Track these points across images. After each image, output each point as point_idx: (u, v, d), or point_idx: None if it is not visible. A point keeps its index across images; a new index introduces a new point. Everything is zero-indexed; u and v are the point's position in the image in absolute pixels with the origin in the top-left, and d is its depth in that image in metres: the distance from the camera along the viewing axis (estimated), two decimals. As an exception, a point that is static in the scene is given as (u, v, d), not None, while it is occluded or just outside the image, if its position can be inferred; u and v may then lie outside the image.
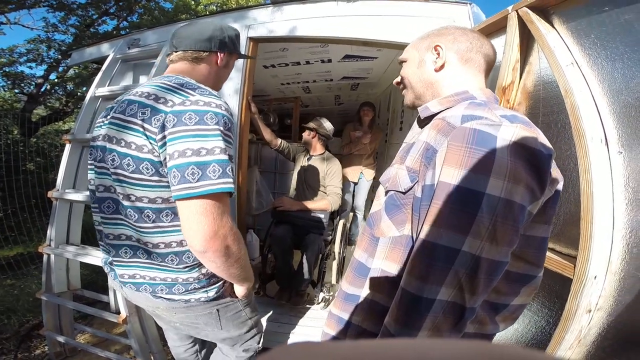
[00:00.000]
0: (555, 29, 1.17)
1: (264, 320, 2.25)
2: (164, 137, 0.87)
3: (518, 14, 1.26)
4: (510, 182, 0.56)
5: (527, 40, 1.29)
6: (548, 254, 1.03)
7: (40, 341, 2.44)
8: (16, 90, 7.60)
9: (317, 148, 2.81)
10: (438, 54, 0.80)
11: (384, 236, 0.75)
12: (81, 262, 2.07)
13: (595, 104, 1.01)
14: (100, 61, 2.58)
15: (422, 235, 0.61)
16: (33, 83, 7.45)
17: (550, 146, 0.60)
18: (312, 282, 2.57)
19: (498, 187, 0.56)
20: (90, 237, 4.08)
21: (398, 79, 0.90)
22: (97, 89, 2.18)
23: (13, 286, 3.22)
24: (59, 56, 7.33)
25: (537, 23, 1.18)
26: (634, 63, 0.92)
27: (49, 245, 2.03)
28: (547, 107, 1.21)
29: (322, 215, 2.59)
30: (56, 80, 7.85)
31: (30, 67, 7.67)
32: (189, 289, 1.02)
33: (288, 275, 2.52)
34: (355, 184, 3.90)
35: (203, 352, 1.51)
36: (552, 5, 1.16)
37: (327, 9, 2.13)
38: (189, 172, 0.83)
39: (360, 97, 5.12)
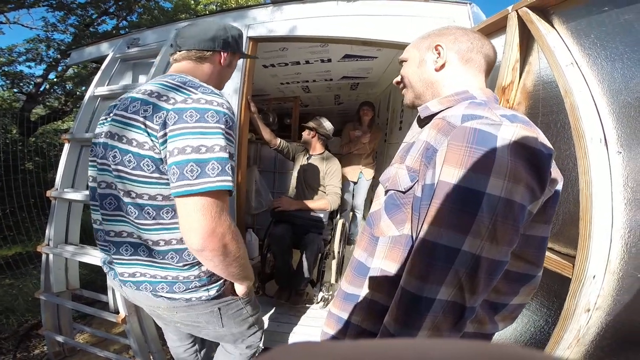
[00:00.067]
0: (555, 29, 1.17)
1: (263, 320, 2.25)
2: (165, 134, 0.87)
3: (518, 13, 1.26)
4: (510, 181, 0.56)
5: (526, 40, 1.29)
6: (547, 253, 1.03)
7: (39, 341, 2.44)
8: (15, 90, 7.59)
9: (317, 147, 2.81)
10: (439, 53, 0.80)
11: (384, 235, 0.75)
12: (80, 262, 2.07)
13: (595, 104, 1.01)
14: (99, 60, 2.58)
15: (422, 234, 0.61)
16: (32, 82, 7.44)
17: (550, 146, 0.60)
18: (311, 281, 2.57)
19: (498, 187, 0.56)
20: (88, 237, 4.06)
21: (398, 79, 0.90)
22: (96, 89, 2.18)
23: (12, 286, 3.21)
24: (58, 55, 7.32)
25: (537, 23, 1.18)
26: (633, 63, 0.92)
27: (48, 244, 2.03)
28: (547, 107, 1.21)
29: (321, 215, 2.59)
30: (55, 79, 7.84)
31: (29, 67, 7.68)
32: (190, 287, 1.02)
33: (287, 275, 2.51)
34: (355, 183, 3.90)
35: (203, 352, 1.51)
36: (552, 5, 1.16)
37: (327, 8, 2.13)
38: (188, 170, 0.83)
39: (359, 96, 5.12)
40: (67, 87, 8.13)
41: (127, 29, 7.83)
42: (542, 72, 1.24)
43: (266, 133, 2.69)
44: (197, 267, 1.01)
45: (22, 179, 4.39)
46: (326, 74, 3.89)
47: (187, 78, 1.01)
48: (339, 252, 2.85)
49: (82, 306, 2.03)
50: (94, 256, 1.88)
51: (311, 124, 2.78)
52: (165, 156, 0.88)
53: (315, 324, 2.32)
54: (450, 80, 0.79)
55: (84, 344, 2.21)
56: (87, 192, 2.02)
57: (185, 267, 1.00)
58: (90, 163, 1.08)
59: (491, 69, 0.83)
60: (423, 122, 0.82)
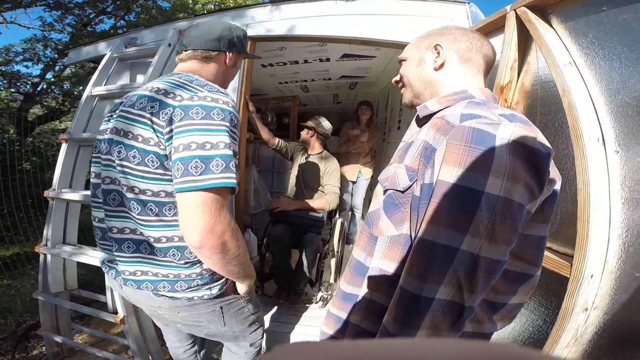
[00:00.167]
0: (553, 29, 1.17)
1: (263, 318, 2.25)
2: (171, 130, 0.88)
3: (516, 13, 1.26)
4: (509, 180, 0.56)
5: (525, 39, 1.29)
6: (545, 252, 1.03)
7: (38, 341, 2.43)
8: (12, 90, 7.55)
9: (316, 147, 2.81)
10: (438, 53, 0.80)
11: (383, 235, 0.75)
12: (78, 262, 2.06)
13: (593, 104, 1.02)
14: (97, 60, 2.57)
15: (421, 234, 0.61)
16: (29, 82, 7.41)
17: (549, 145, 0.60)
18: (310, 281, 2.58)
19: (497, 186, 0.56)
20: (87, 237, 4.07)
21: (397, 78, 0.90)
22: (93, 88, 2.18)
23: (9, 286, 3.20)
24: (56, 55, 7.29)
25: (535, 22, 1.18)
26: (631, 62, 0.92)
27: (46, 245, 2.02)
28: (545, 107, 1.21)
29: (320, 214, 2.59)
30: (53, 79, 7.81)
31: (27, 66, 7.66)
32: (192, 285, 1.01)
33: (286, 275, 2.52)
34: (354, 182, 3.90)
35: (202, 352, 1.51)
36: (550, 4, 1.17)
37: (325, 7, 2.13)
38: (192, 166, 0.84)
39: (358, 96, 5.12)
40: (65, 87, 8.10)
41: (124, 29, 7.80)
42: (540, 72, 1.24)
43: (264, 133, 2.68)
44: (198, 265, 1.01)
45: (20, 179, 4.38)
46: (325, 73, 3.89)
47: (193, 77, 1.02)
48: (337, 252, 2.85)
49: (81, 306, 2.02)
50: (91, 256, 1.87)
51: (310, 123, 2.78)
52: (170, 152, 0.88)
53: (314, 323, 2.32)
54: (449, 79, 0.79)
55: (82, 345, 2.20)
56: (85, 192, 2.02)
57: (187, 265, 1.00)
58: (93, 159, 1.09)
59: (490, 68, 0.83)
60: (422, 121, 0.82)
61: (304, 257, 2.41)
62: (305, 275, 2.43)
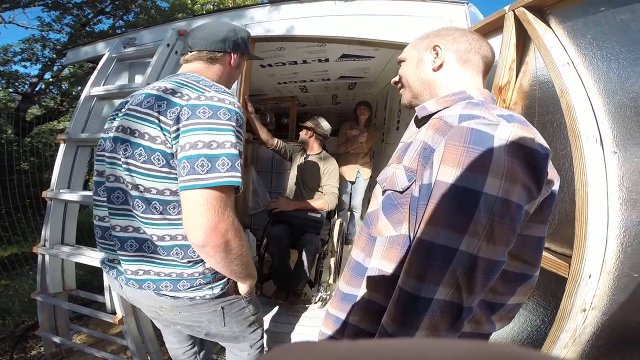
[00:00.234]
0: (552, 29, 1.17)
1: (263, 319, 2.25)
2: (178, 129, 0.89)
3: (515, 13, 1.26)
4: (507, 181, 0.56)
5: (523, 40, 1.30)
6: (543, 253, 1.04)
7: (36, 342, 2.42)
8: (10, 90, 7.54)
9: (314, 147, 2.81)
10: (437, 53, 0.80)
11: (381, 236, 0.75)
12: (76, 262, 2.06)
13: (591, 104, 1.02)
14: (95, 60, 2.57)
15: (420, 234, 0.61)
16: (27, 82, 7.40)
17: (547, 146, 0.61)
18: (309, 281, 2.57)
19: (495, 186, 0.56)
20: (85, 237, 4.06)
21: (396, 78, 0.90)
22: (92, 88, 2.17)
23: (8, 287, 3.19)
24: (54, 55, 7.28)
25: (534, 23, 1.18)
26: (629, 63, 0.92)
27: (44, 245, 2.01)
28: (543, 107, 1.21)
29: (319, 215, 2.59)
30: (51, 79, 7.80)
31: (25, 66, 7.64)
32: (194, 285, 1.01)
33: (285, 275, 2.51)
34: (352, 183, 3.90)
35: (202, 353, 1.51)
36: (549, 5, 1.17)
37: (324, 8, 2.14)
38: (198, 164, 0.85)
39: (357, 96, 5.12)
40: (63, 87, 8.09)
41: (123, 29, 7.79)
42: (539, 72, 1.25)
43: (263, 133, 2.68)
44: (201, 264, 1.01)
45: (18, 179, 4.37)
46: (324, 73, 3.90)
47: (200, 77, 1.03)
48: (336, 252, 2.85)
49: (79, 307, 2.02)
50: (90, 257, 1.87)
51: (309, 123, 2.78)
52: (177, 151, 0.89)
53: (313, 324, 2.32)
54: (448, 80, 0.79)
55: (81, 345, 2.20)
56: (83, 193, 2.01)
57: (190, 264, 1.00)
58: (97, 158, 1.09)
59: (489, 69, 0.83)
60: (420, 122, 0.82)
61: (303, 258, 2.41)
62: (304, 275, 2.43)
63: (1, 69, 7.13)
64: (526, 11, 1.21)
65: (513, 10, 1.27)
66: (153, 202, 0.94)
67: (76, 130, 2.09)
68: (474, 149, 0.57)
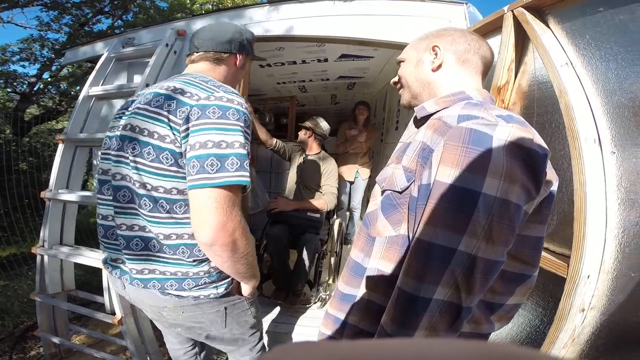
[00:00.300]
0: (550, 29, 1.18)
1: (262, 321, 2.25)
2: (188, 128, 0.90)
3: (514, 14, 1.27)
4: (506, 181, 0.56)
5: (522, 40, 1.30)
6: (542, 253, 1.04)
7: (35, 342, 2.42)
8: (9, 89, 7.53)
9: (313, 147, 2.81)
10: (436, 54, 0.80)
11: (380, 236, 0.75)
12: (75, 263, 2.05)
13: (589, 104, 1.02)
14: (94, 60, 2.56)
15: (419, 234, 0.61)
16: (26, 82, 7.39)
17: (546, 146, 0.61)
18: (308, 281, 2.57)
19: (494, 187, 0.56)
20: (84, 238, 4.05)
21: (395, 79, 0.90)
22: (90, 88, 2.17)
23: (6, 287, 3.18)
24: (53, 55, 7.27)
25: (533, 23, 1.18)
26: (627, 63, 0.93)
27: (42, 246, 2.01)
28: (542, 107, 1.22)
29: (318, 215, 2.59)
30: (49, 79, 7.79)
31: (23, 66, 7.65)
32: (199, 283, 1.02)
33: (284, 275, 2.51)
34: (352, 183, 3.90)
35: (202, 354, 1.51)
36: (548, 5, 1.17)
37: (323, 8, 2.13)
38: (208, 163, 0.86)
39: (356, 96, 5.12)
40: (62, 87, 8.09)
41: (122, 29, 7.79)
42: (537, 72, 1.25)
43: (262, 133, 2.68)
44: (206, 263, 1.02)
45: (16, 179, 4.36)
46: (323, 73, 3.89)
47: (207, 77, 1.04)
48: (336, 252, 2.85)
49: (78, 307, 2.02)
50: (89, 257, 1.87)
51: (308, 123, 2.78)
52: (186, 150, 0.90)
53: (312, 324, 2.32)
54: (447, 80, 0.79)
55: (80, 345, 2.19)
56: (82, 193, 2.01)
57: (195, 263, 1.01)
58: (101, 156, 1.09)
59: (488, 70, 0.83)
60: (419, 122, 0.82)
61: (302, 258, 2.41)
62: (303, 275, 2.43)
63: (0, 69, 7.11)
64: (525, 11, 1.21)
65: (512, 11, 1.27)
66: (160, 201, 0.95)
67: (75, 130, 2.09)
68: (472, 150, 0.57)
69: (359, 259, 0.80)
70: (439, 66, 0.80)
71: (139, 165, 0.94)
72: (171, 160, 0.92)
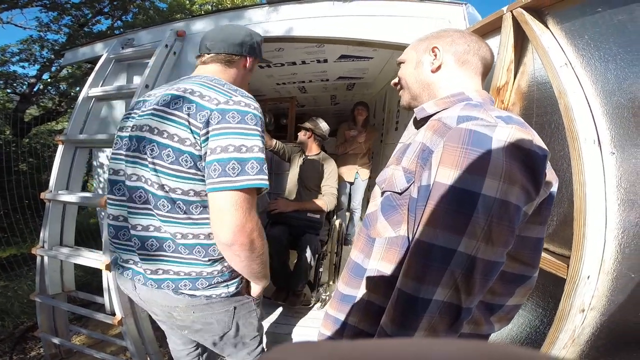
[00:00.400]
0: (550, 30, 1.18)
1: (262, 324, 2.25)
2: (208, 132, 0.92)
3: (513, 14, 1.27)
4: (505, 182, 0.56)
5: (521, 40, 1.30)
6: (542, 254, 1.04)
7: (35, 343, 2.42)
8: (8, 90, 7.53)
9: (313, 148, 2.81)
10: (435, 55, 0.80)
11: (380, 237, 0.75)
12: (75, 264, 2.05)
13: (589, 105, 1.02)
14: (93, 61, 2.56)
15: (418, 235, 0.61)
16: (25, 83, 7.39)
17: (545, 147, 0.61)
18: (308, 282, 2.57)
19: (494, 188, 0.56)
20: (84, 239, 4.05)
21: (396, 80, 0.91)
22: (90, 89, 2.17)
23: (6, 288, 3.18)
24: (52, 56, 7.27)
25: (532, 24, 1.18)
26: (627, 64, 0.93)
27: (42, 247, 2.01)
28: (541, 108, 1.22)
29: (318, 216, 2.59)
30: (49, 80, 7.79)
31: (23, 67, 7.65)
32: (212, 282, 1.04)
33: (285, 276, 2.51)
34: (351, 184, 3.90)
35: (204, 355, 1.51)
36: (547, 6, 1.17)
37: (323, 9, 2.14)
38: (230, 167, 0.89)
39: (356, 97, 5.12)
40: (61, 88, 8.08)
41: (121, 29, 7.79)
42: (537, 73, 1.25)
43: (262, 134, 2.67)
44: (219, 262, 1.04)
45: (16, 180, 4.35)
46: (322, 74, 3.90)
47: (222, 80, 1.06)
48: (336, 253, 2.85)
49: (78, 308, 2.02)
50: (89, 258, 1.86)
51: (307, 124, 2.78)
52: (206, 153, 0.92)
53: (312, 324, 2.32)
54: (446, 82, 0.80)
55: (80, 346, 2.19)
56: (81, 194, 2.01)
57: (209, 263, 1.03)
58: (112, 156, 1.10)
59: (488, 71, 0.83)
60: (419, 123, 0.82)
61: (302, 258, 2.41)
62: (303, 276, 2.43)
63: (-1, 70, 7.13)
64: (524, 12, 1.21)
65: (511, 11, 1.27)
66: (177, 202, 0.97)
67: (74, 131, 2.09)
68: (472, 151, 0.57)
69: (358, 259, 0.80)
70: (439, 67, 0.80)
71: (157, 167, 0.96)
72: (190, 162, 0.94)
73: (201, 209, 0.99)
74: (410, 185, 0.70)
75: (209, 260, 1.02)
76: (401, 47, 0.91)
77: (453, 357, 0.14)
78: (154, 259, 1.03)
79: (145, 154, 0.97)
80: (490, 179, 0.56)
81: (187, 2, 8.38)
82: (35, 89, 7.40)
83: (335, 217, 3.08)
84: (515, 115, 0.67)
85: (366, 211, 0.84)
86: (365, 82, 4.29)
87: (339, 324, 0.82)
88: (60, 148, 2.06)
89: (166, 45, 2.13)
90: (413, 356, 0.15)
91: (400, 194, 0.72)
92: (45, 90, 7.91)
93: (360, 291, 0.78)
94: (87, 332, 2.27)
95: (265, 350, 1.37)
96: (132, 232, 1.04)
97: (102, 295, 2.14)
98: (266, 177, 0.94)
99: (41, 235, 2.04)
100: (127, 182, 1.03)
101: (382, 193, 0.77)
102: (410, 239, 0.68)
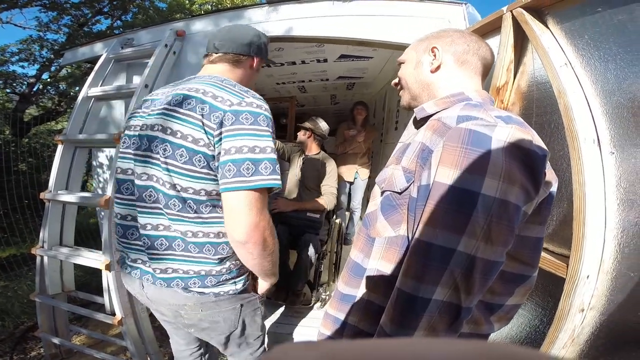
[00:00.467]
0: (550, 30, 1.18)
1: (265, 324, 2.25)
2: (221, 133, 0.94)
3: (512, 14, 1.27)
4: (505, 182, 0.56)
5: (521, 40, 1.30)
6: (541, 253, 1.04)
7: (36, 343, 2.42)
8: (8, 90, 7.52)
9: (313, 148, 2.81)
10: (434, 55, 0.80)
11: (380, 236, 0.75)
12: (75, 264, 2.05)
13: (588, 105, 1.02)
14: (93, 61, 2.56)
15: (418, 235, 0.61)
16: (25, 82, 7.38)
17: (545, 147, 0.61)
18: (308, 282, 2.57)
19: (493, 187, 0.56)
20: (84, 239, 4.05)
21: (396, 80, 0.91)
22: (89, 89, 2.17)
23: (6, 288, 3.18)
24: (52, 55, 7.26)
25: (532, 23, 1.18)
26: (626, 64, 0.93)
27: (42, 247, 2.01)
28: (541, 108, 1.22)
29: (317, 215, 2.59)
30: (49, 79, 7.78)
31: (22, 67, 7.65)
32: (221, 280, 1.05)
33: (284, 275, 2.51)
34: (351, 183, 3.90)
35: (207, 355, 1.51)
36: (547, 5, 1.17)
37: (322, 9, 2.14)
38: (244, 167, 0.91)
39: (355, 96, 5.12)
40: (61, 88, 8.07)
41: (121, 29, 7.79)
42: (536, 73, 1.25)
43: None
44: (228, 260, 1.06)
45: (16, 180, 4.35)
46: (322, 74, 3.90)
47: (232, 81, 1.08)
48: (335, 253, 2.85)
49: (78, 308, 2.02)
50: (88, 258, 1.86)
51: (307, 124, 2.78)
52: (219, 153, 0.93)
53: (312, 324, 2.32)
54: (446, 82, 0.80)
55: (80, 346, 2.19)
56: (81, 194, 2.01)
57: (218, 261, 1.04)
58: (120, 155, 1.10)
59: (488, 71, 0.83)
60: (419, 123, 0.82)
61: (302, 258, 2.41)
62: (303, 276, 2.43)
63: (-1, 70, 7.12)
64: (524, 12, 1.21)
65: (511, 11, 1.27)
66: (188, 201, 0.98)
67: (74, 131, 2.09)
68: (471, 150, 0.57)
69: (358, 259, 0.80)
70: (438, 67, 0.80)
71: (170, 167, 0.97)
72: (204, 162, 0.95)
73: (211, 208, 1.00)
74: (409, 185, 0.70)
75: (219, 258, 1.03)
76: (401, 47, 0.91)
77: (452, 356, 0.14)
78: (164, 258, 1.03)
79: (158, 153, 0.98)
80: (489, 178, 0.56)
81: (187, 2, 8.38)
82: (34, 89, 7.39)
83: (335, 216, 3.08)
84: (514, 115, 0.67)
85: (366, 211, 0.84)
86: (365, 81, 4.29)
87: (338, 323, 0.82)
88: (60, 148, 2.06)
89: (166, 45, 2.13)
90: (412, 356, 0.15)
91: (400, 193, 0.72)
92: (45, 90, 7.91)
93: (360, 291, 0.78)
94: (87, 332, 2.27)
95: (267, 350, 1.37)
96: (142, 231, 1.04)
97: (102, 295, 2.14)
98: (279, 176, 0.96)
99: (41, 235, 2.04)
100: (137, 182, 1.04)
101: (382, 192, 0.77)
102: (410, 238, 0.68)
